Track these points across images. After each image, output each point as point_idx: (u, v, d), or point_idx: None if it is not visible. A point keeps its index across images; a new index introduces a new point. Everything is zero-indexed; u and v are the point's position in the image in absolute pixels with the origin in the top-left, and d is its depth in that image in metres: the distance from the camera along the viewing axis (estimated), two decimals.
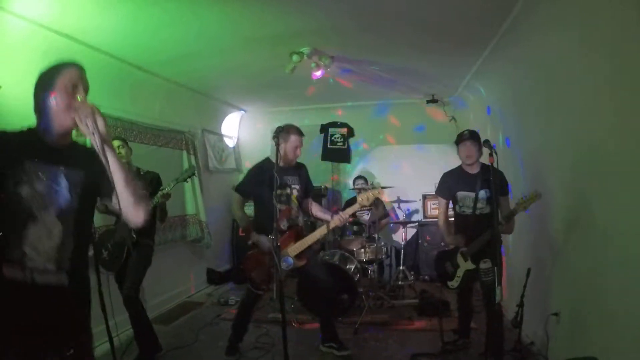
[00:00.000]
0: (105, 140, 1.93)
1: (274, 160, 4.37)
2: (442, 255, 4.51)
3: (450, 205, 4.50)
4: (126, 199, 2.03)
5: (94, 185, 2.12)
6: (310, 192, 4.73)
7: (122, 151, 4.38)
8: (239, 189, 4.53)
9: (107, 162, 1.93)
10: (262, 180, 4.35)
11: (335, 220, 4.34)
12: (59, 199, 2.01)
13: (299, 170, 4.59)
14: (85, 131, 1.95)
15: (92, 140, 1.93)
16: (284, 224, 4.33)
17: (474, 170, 4.26)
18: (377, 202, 6.65)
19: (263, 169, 4.46)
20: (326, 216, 4.56)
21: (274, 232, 3.30)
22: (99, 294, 3.61)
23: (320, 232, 4.40)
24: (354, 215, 5.45)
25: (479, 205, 4.18)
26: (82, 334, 2.16)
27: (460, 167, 4.42)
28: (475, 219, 4.17)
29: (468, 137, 4.22)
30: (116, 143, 4.35)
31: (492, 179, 3.40)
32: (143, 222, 2.10)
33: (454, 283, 4.31)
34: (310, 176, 4.77)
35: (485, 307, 4.13)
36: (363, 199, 4.26)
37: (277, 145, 3.78)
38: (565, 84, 3.80)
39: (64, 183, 2.03)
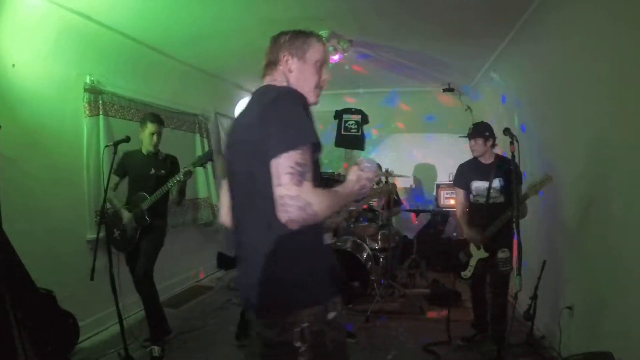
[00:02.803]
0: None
1: None
2: (454, 245, 4.44)
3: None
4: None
5: None
6: (320, 182, 4.66)
7: (155, 139, 4.36)
8: None
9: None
10: None
11: (344, 212, 4.30)
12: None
13: None
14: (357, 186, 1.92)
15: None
16: None
17: (488, 160, 4.32)
18: (390, 190, 6.57)
19: None
20: None
21: None
22: (110, 275, 3.63)
23: (330, 223, 4.36)
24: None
25: (493, 194, 4.20)
26: None
27: (475, 158, 4.45)
28: (488, 208, 4.18)
29: (472, 134, 4.35)
30: (151, 128, 4.33)
31: (512, 168, 3.34)
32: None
33: (467, 273, 4.32)
34: (322, 163, 4.70)
35: (493, 296, 4.18)
36: (372, 194, 4.27)
37: None
38: (582, 75, 3.71)
39: None
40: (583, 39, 3.62)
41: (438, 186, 7.69)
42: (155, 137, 4.35)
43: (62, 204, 4.43)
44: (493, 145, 4.35)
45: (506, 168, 4.03)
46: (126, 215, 4.27)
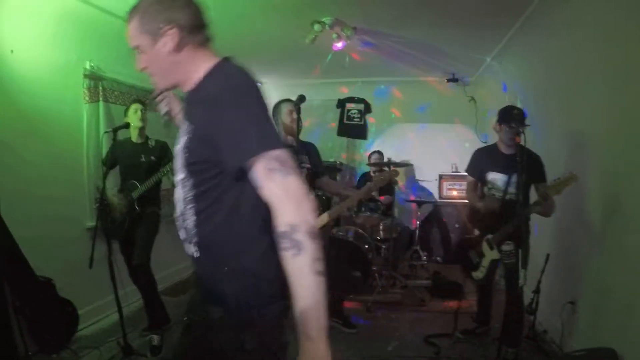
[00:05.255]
0: None
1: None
2: (464, 243, 4.19)
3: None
4: None
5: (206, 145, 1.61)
6: (322, 170, 4.58)
7: (140, 114, 4.31)
8: None
9: None
10: None
11: (348, 202, 4.22)
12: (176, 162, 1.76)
13: (307, 148, 4.44)
14: None
15: None
16: None
17: (510, 151, 3.87)
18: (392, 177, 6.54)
19: None
20: (342, 192, 4.46)
21: None
22: (109, 263, 3.59)
23: (335, 212, 4.31)
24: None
25: (510, 189, 3.87)
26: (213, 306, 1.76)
27: (495, 145, 4.09)
28: (505, 204, 3.83)
29: (519, 119, 3.71)
30: (135, 107, 4.31)
31: (518, 160, 3.20)
32: None
33: (479, 274, 4.02)
34: (323, 152, 4.63)
35: (506, 290, 3.88)
36: (378, 180, 4.17)
37: (299, 113, 3.51)
38: (589, 67, 3.66)
39: (181, 143, 1.72)
40: (589, 31, 3.57)
41: (440, 177, 7.63)
42: (139, 112, 4.31)
43: (62, 191, 4.40)
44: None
45: (528, 161, 3.56)
46: (114, 200, 4.29)
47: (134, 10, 1.68)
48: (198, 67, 1.69)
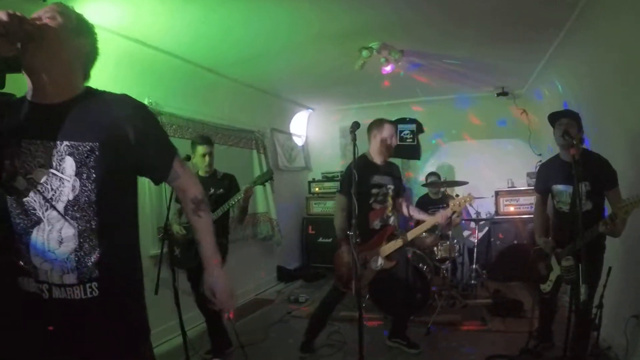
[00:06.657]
0: None
1: (369, 157, 4.41)
2: (536, 255, 4.05)
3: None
4: None
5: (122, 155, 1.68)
6: (402, 191, 4.63)
7: (208, 159, 4.45)
8: (344, 190, 4.22)
9: None
10: (359, 179, 4.21)
11: (432, 221, 4.30)
12: (63, 188, 1.56)
13: (392, 168, 4.50)
14: None
15: None
16: (376, 224, 4.31)
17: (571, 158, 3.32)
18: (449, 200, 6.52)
19: (360, 166, 4.11)
20: (422, 216, 4.52)
21: (352, 228, 3.25)
22: (174, 289, 3.73)
23: (413, 234, 4.37)
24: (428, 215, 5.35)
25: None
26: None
27: (557, 155, 3.89)
28: (574, 218, 3.33)
29: (565, 113, 3.72)
30: (201, 150, 4.42)
31: (574, 172, 3.04)
32: None
33: (546, 287, 3.92)
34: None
35: (569, 307, 3.49)
36: (455, 204, 4.29)
37: (354, 140, 3.54)
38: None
39: (68, 163, 1.56)
40: (631, 41, 3.50)
41: (497, 193, 7.50)
42: (207, 158, 4.44)
43: None
44: (582, 140, 3.67)
45: (593, 167, 3.49)
46: (176, 228, 4.39)
47: (67, 8, 1.71)
48: (78, 85, 1.75)
